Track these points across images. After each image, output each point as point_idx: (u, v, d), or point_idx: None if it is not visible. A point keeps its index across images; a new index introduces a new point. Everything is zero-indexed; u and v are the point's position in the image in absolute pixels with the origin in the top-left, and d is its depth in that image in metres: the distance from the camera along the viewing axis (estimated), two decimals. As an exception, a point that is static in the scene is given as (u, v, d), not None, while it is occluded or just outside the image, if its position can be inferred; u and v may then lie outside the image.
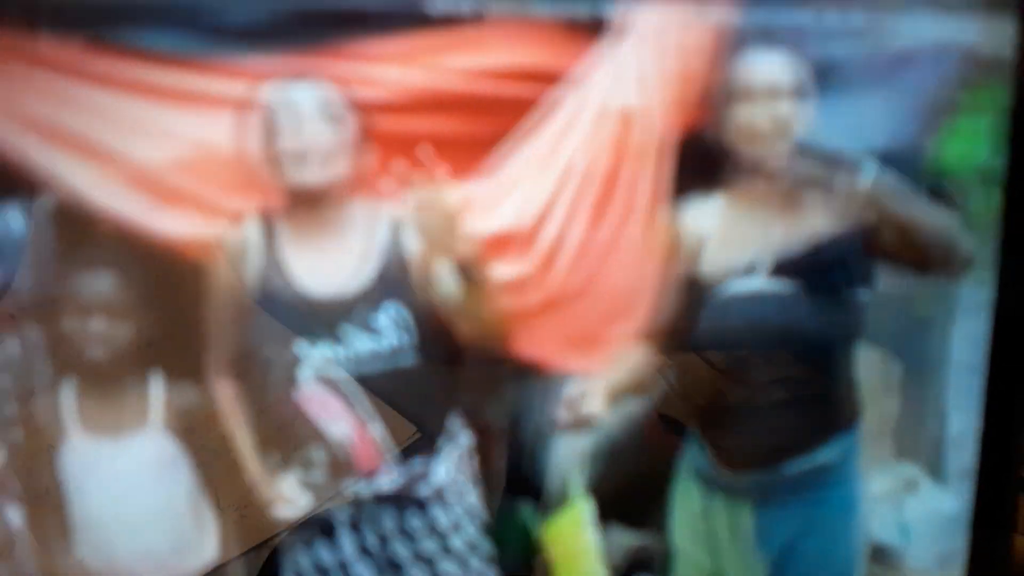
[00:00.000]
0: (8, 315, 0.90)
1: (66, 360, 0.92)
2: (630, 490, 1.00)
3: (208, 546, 0.96)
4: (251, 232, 0.90)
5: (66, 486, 0.94)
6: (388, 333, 0.88)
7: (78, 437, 0.93)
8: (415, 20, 0.89)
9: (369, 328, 0.88)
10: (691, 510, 0.99)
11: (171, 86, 0.88)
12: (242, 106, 0.88)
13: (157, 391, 0.94)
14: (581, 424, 0.96)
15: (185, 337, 0.93)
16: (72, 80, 0.86)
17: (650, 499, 1.01)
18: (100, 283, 0.91)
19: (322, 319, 0.88)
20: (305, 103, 0.87)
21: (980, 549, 0.99)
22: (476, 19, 0.89)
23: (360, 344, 0.88)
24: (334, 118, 0.87)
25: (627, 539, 1.01)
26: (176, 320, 0.92)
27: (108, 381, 0.93)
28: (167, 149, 0.89)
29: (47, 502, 0.94)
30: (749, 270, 0.93)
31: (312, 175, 0.87)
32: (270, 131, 0.87)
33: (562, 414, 0.96)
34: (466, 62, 0.91)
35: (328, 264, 0.90)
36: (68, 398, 0.93)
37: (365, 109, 0.89)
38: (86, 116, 0.87)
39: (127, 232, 0.89)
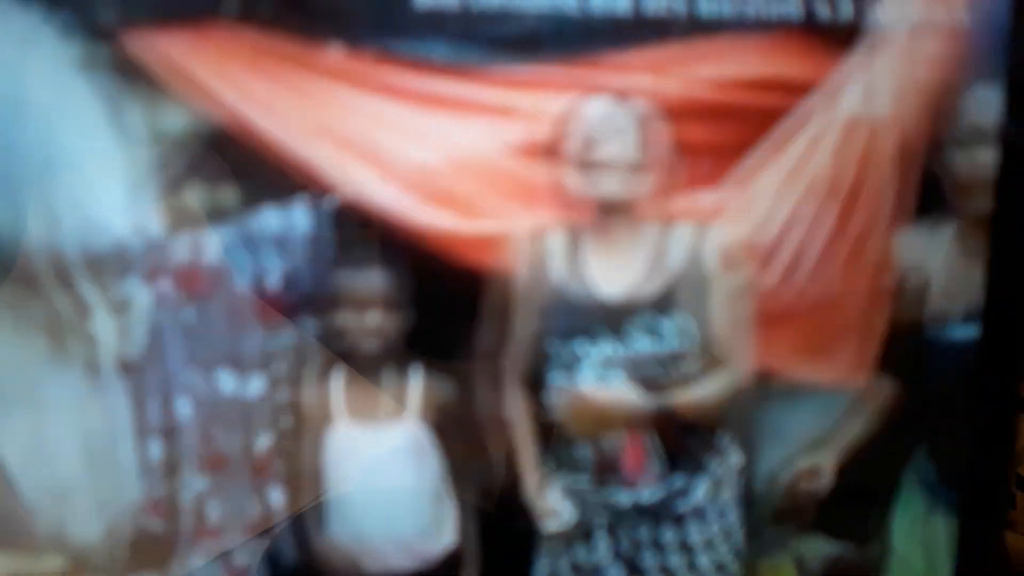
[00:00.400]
0: (289, 306, 0.94)
1: (337, 350, 0.97)
2: (847, 503, 1.04)
3: (447, 532, 1.01)
4: (554, 237, 0.95)
5: (325, 469, 0.99)
6: (671, 338, 0.91)
7: (343, 423, 0.99)
8: (676, 28, 0.91)
9: (653, 332, 0.91)
10: (913, 515, 1.03)
11: (444, 94, 0.93)
12: (506, 113, 0.92)
13: (416, 383, 0.99)
14: (809, 498, 1.01)
15: (447, 334, 0.97)
16: (356, 89, 0.90)
17: (867, 510, 1.05)
18: (375, 279, 0.96)
19: (609, 320, 0.92)
20: (621, 118, 0.90)
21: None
22: (732, 26, 0.91)
23: (641, 345, 0.91)
24: (646, 134, 0.90)
25: (826, 548, 1.05)
26: (440, 317, 0.96)
27: (373, 371, 0.99)
28: (438, 153, 0.93)
29: (307, 484, 0.99)
30: (968, 317, 0.96)
31: (620, 186, 0.91)
32: (586, 142, 0.90)
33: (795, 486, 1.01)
34: (716, 72, 0.94)
35: (622, 269, 0.93)
36: (337, 386, 0.98)
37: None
38: (367, 122, 0.91)
39: (400, 231, 0.93)
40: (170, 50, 0.80)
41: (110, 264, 0.84)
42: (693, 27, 0.91)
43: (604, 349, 0.92)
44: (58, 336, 0.87)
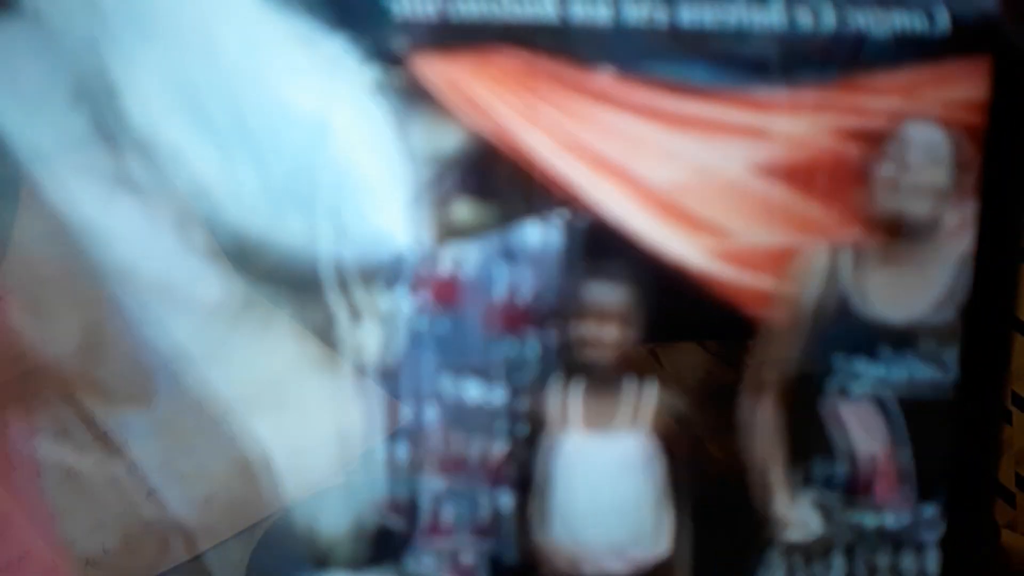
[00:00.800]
0: (534, 319, 0.98)
1: (575, 361, 1.00)
2: None
3: (662, 541, 1.03)
4: (844, 255, 0.94)
5: (555, 475, 1.02)
6: (952, 366, 0.91)
7: (576, 432, 1.01)
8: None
9: (928, 359, 0.91)
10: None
11: (700, 115, 0.93)
12: (761, 136, 0.93)
13: (649, 395, 1.01)
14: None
15: (680, 348, 0.99)
16: (616, 109, 0.92)
17: None
18: (616, 294, 0.98)
19: (883, 341, 0.92)
20: (941, 144, 0.90)
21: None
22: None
23: (917, 371, 0.91)
24: (959, 160, 0.90)
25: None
26: (675, 332, 0.98)
27: (608, 382, 1.01)
28: (679, 172, 0.95)
29: (536, 489, 1.02)
30: None
31: (928, 210, 0.90)
32: (904, 165, 0.90)
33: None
34: (970, 96, 0.92)
35: (904, 290, 0.92)
36: (575, 397, 1.01)
37: (868, 140, 0.92)
38: (623, 142, 0.93)
39: (642, 248, 0.95)
40: (453, 73, 0.85)
41: (383, 275, 0.90)
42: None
43: (877, 370, 0.92)
44: (329, 341, 0.93)
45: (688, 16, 0.88)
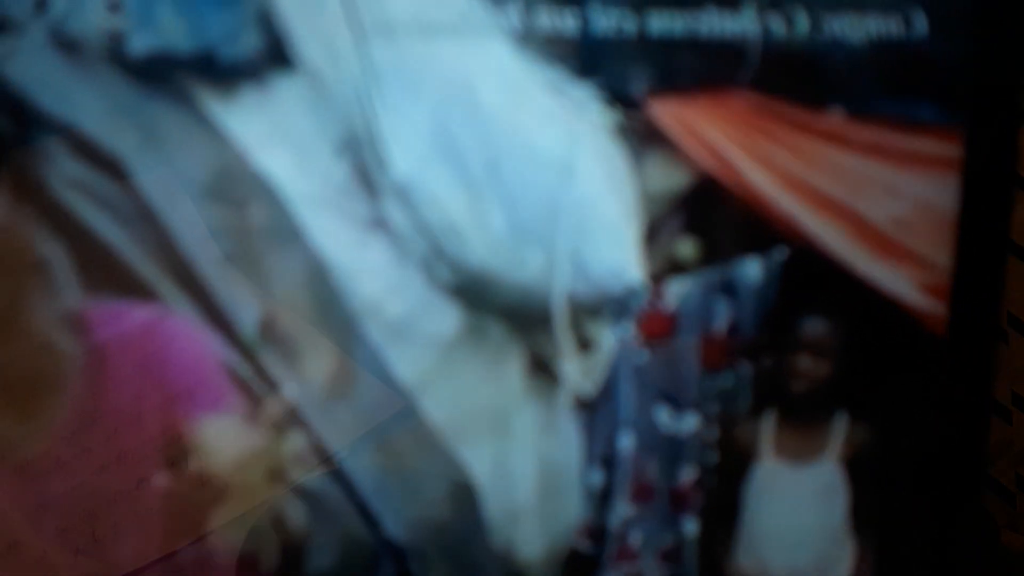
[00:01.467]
0: (746, 352, 0.99)
1: (773, 391, 1.01)
2: None
3: (841, 569, 1.04)
4: None
5: (744, 503, 1.03)
6: None
7: (768, 461, 1.03)
8: None
9: None
10: None
11: (912, 150, 0.94)
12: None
13: (840, 427, 1.02)
14: None
15: (872, 383, 1.00)
16: (843, 149, 0.93)
17: None
18: (816, 326, 0.99)
19: None
20: None
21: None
22: None
23: None
24: None
25: None
26: (873, 366, 0.99)
27: (805, 413, 1.02)
28: (899, 208, 0.95)
29: (723, 515, 1.04)
30: None
31: None
32: None
33: None
34: None
35: None
36: (767, 426, 1.02)
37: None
38: (839, 178, 0.94)
39: (848, 281, 0.96)
40: (686, 114, 0.87)
41: (610, 309, 0.92)
42: None
43: None
44: (534, 373, 0.95)
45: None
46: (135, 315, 0.79)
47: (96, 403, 0.78)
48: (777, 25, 0.88)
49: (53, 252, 0.74)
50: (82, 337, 0.77)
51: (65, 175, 0.74)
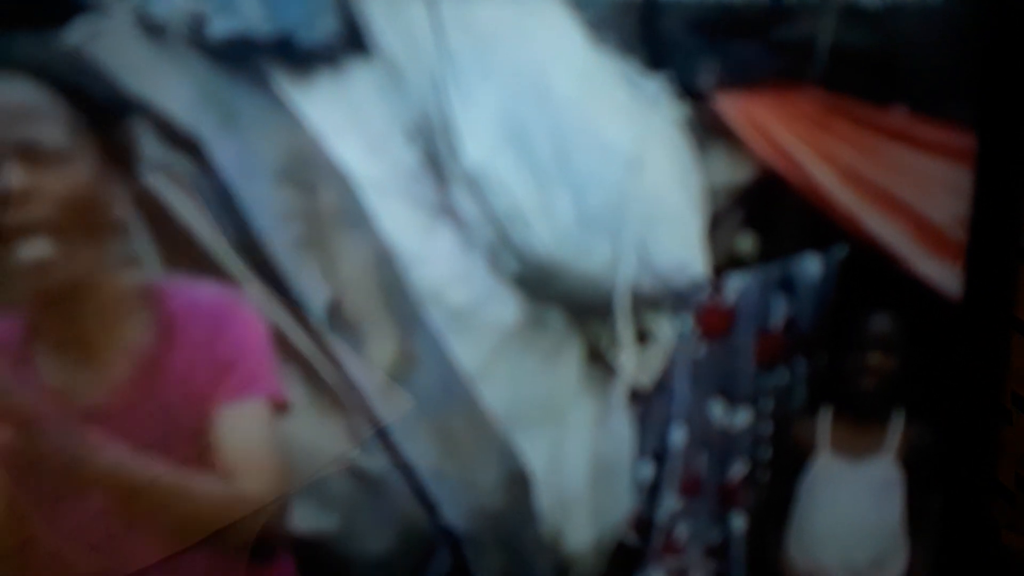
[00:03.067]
0: (803, 347, 0.99)
1: (830, 389, 1.01)
2: None
3: (896, 567, 1.04)
4: None
5: (800, 498, 1.03)
6: None
7: (825, 457, 1.03)
8: None
9: None
10: None
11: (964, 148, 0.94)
12: None
13: (897, 424, 1.02)
14: None
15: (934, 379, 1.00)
16: (906, 146, 0.93)
17: None
18: (884, 323, 0.99)
19: None
20: None
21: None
22: None
23: None
24: None
25: None
26: (930, 363, 0.99)
27: (861, 410, 1.03)
28: (958, 206, 0.95)
29: (776, 510, 1.04)
30: None
31: None
32: None
33: None
34: None
35: None
36: (824, 422, 1.03)
37: None
38: (901, 176, 0.94)
39: (906, 279, 0.96)
40: (753, 110, 0.87)
41: (672, 302, 0.92)
42: None
43: None
44: (591, 364, 0.95)
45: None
46: (204, 292, 0.80)
47: (155, 372, 0.79)
48: (845, 24, 0.89)
49: (134, 224, 0.75)
50: (155, 307, 0.78)
51: (147, 154, 0.75)
